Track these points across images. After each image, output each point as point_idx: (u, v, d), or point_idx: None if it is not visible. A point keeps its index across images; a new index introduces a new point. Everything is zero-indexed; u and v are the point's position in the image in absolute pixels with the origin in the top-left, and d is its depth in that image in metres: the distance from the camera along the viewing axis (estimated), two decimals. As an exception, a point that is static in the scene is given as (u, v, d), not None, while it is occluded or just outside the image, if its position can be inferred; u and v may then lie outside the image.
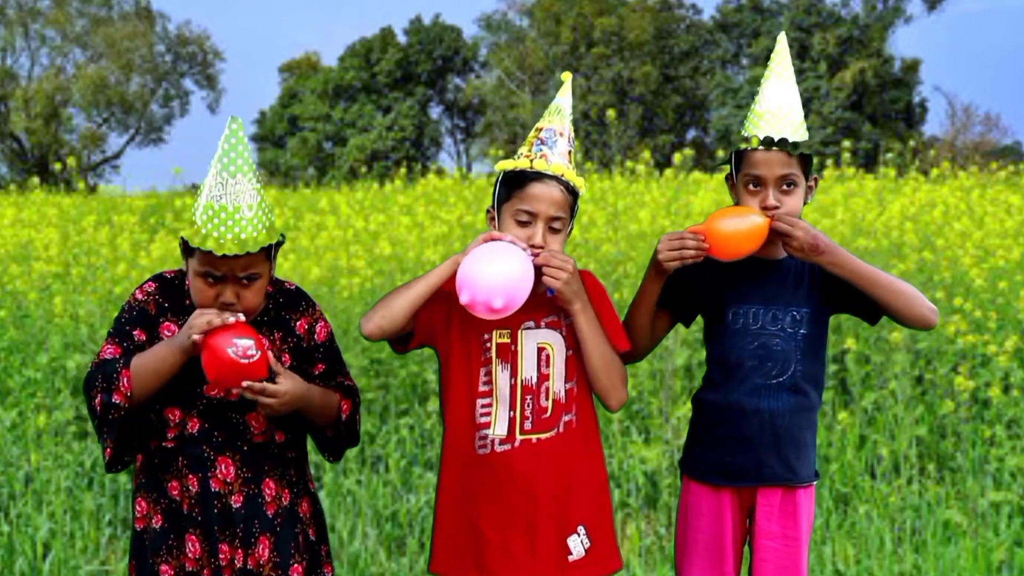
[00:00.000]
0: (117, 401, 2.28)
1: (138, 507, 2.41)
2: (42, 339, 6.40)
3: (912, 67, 35.49)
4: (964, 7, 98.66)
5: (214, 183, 2.29)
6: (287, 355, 2.41)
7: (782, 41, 2.64)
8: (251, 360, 2.26)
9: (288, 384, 2.31)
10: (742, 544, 2.65)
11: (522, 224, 2.39)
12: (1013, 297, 6.45)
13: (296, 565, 2.38)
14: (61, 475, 4.91)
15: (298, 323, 2.44)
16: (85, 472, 5.11)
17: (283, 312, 2.44)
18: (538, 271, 2.37)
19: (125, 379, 2.28)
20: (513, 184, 2.42)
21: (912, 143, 16.47)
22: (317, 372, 2.44)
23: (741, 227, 2.49)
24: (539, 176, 2.40)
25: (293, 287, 2.51)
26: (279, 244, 2.38)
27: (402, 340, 2.46)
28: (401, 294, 2.38)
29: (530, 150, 2.43)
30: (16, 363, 6.15)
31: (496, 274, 2.30)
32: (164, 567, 2.37)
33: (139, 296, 2.43)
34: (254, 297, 2.34)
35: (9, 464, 5.07)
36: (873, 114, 33.69)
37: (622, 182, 11.49)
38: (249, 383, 2.26)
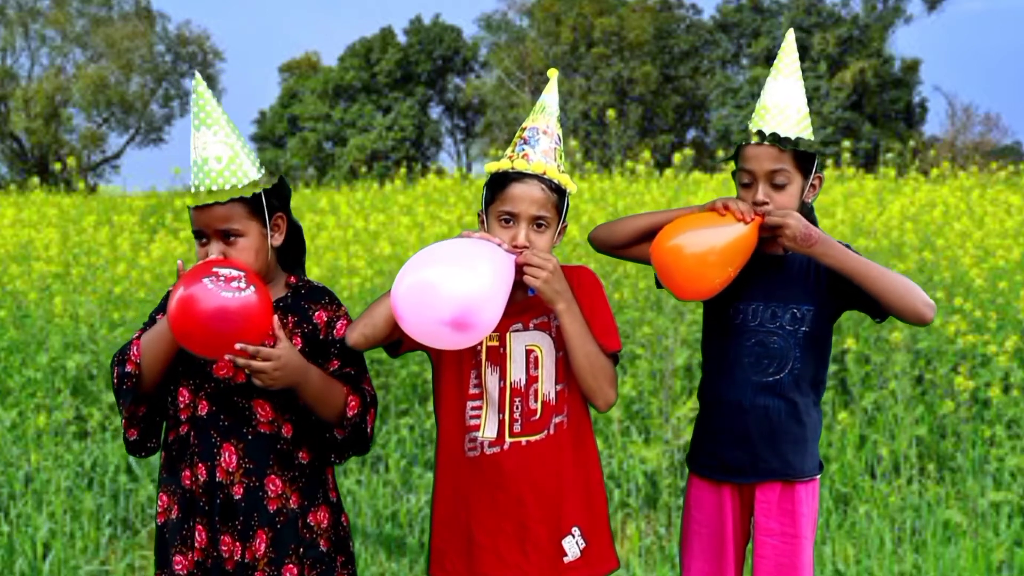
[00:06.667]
0: (129, 370, 2.31)
1: (160, 502, 2.42)
2: (42, 339, 6.40)
3: (912, 67, 35.49)
4: (964, 7, 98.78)
5: (191, 141, 2.34)
6: (299, 339, 2.38)
7: (788, 38, 2.61)
8: (240, 294, 2.14)
9: (286, 349, 2.24)
10: (744, 539, 2.66)
11: (505, 225, 2.37)
12: (1013, 297, 6.45)
13: (291, 566, 2.35)
14: (61, 475, 4.91)
15: (316, 313, 2.41)
16: (85, 472, 5.11)
17: (302, 302, 2.42)
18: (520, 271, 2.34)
19: (135, 348, 2.33)
20: (496, 186, 2.40)
21: (912, 143, 16.47)
22: (331, 368, 2.39)
23: (716, 244, 2.45)
24: (520, 176, 2.37)
25: (322, 286, 2.50)
26: (277, 208, 2.37)
27: (392, 345, 2.44)
28: (383, 302, 2.35)
29: (513, 150, 2.42)
30: (16, 363, 6.15)
31: (462, 283, 2.20)
32: (178, 557, 2.36)
33: (170, 290, 2.43)
34: (240, 255, 2.30)
35: (9, 464, 5.07)
36: (873, 114, 33.68)
37: (622, 182, 11.50)
38: (243, 344, 2.16)
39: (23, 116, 36.20)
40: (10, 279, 7.50)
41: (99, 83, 37.33)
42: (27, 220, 10.58)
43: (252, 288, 2.18)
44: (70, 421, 5.48)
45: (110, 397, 5.72)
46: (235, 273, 2.19)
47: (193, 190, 2.31)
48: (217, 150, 2.31)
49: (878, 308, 2.50)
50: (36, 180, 12.46)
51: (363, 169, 27.17)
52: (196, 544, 2.35)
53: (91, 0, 39.20)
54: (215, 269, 2.19)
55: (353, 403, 2.36)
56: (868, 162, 23.22)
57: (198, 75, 2.37)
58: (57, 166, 17.81)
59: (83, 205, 12.85)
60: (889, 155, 14.13)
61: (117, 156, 40.02)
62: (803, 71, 2.60)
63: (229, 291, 2.15)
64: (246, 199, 2.31)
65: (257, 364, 2.20)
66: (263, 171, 2.39)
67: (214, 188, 2.29)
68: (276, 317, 2.25)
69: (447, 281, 2.19)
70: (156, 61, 40.09)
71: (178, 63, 41.01)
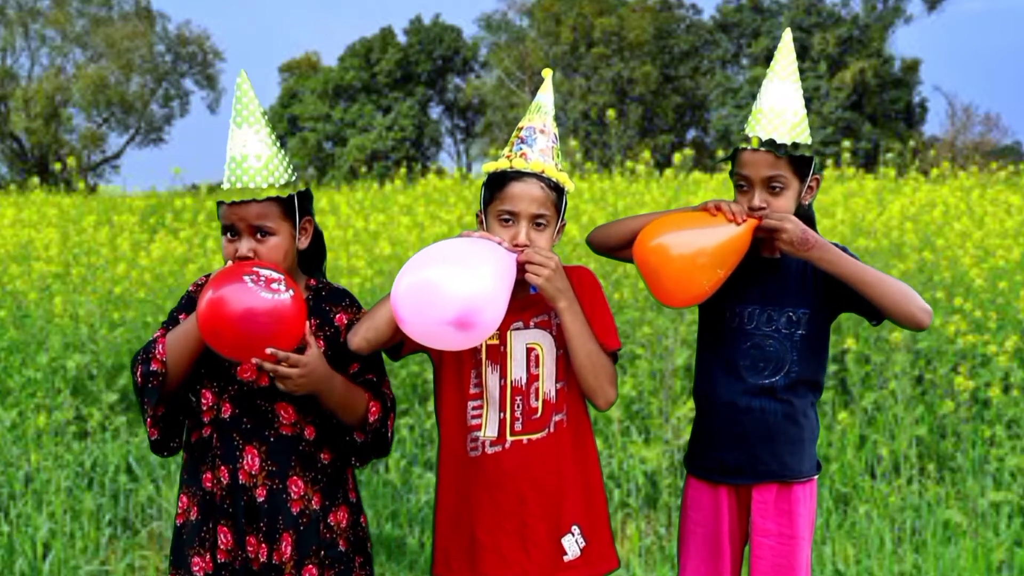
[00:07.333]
0: (155, 368, 2.31)
1: (180, 503, 2.43)
2: (42, 339, 6.40)
3: (912, 67, 35.49)
4: (964, 7, 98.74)
5: (229, 137, 2.35)
6: (322, 341, 2.38)
7: (785, 39, 2.59)
8: (279, 297, 2.15)
9: (314, 357, 2.24)
10: (742, 540, 2.66)
11: (505, 224, 2.38)
12: (1013, 297, 6.45)
13: (311, 567, 2.36)
14: (61, 475, 4.91)
15: (338, 316, 2.41)
16: (85, 472, 5.11)
17: (323, 304, 2.42)
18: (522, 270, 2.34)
19: (160, 346, 2.32)
20: (494, 185, 2.40)
21: (912, 143, 16.45)
22: (352, 371, 2.40)
23: (705, 245, 2.43)
24: (518, 175, 2.38)
25: (342, 289, 2.50)
26: (307, 212, 2.40)
27: (394, 348, 2.43)
28: (384, 305, 2.34)
29: (511, 150, 2.42)
30: (16, 363, 6.15)
31: (466, 282, 2.19)
32: (196, 559, 2.37)
33: (191, 289, 2.47)
34: (270, 253, 2.31)
35: (9, 464, 5.07)
36: (873, 114, 33.68)
37: (622, 182, 11.49)
38: (273, 350, 2.16)
39: (23, 116, 36.20)
40: (10, 279, 7.50)
41: (99, 83, 37.33)
42: (27, 220, 10.58)
43: (291, 292, 2.20)
44: (70, 421, 5.48)
45: (110, 397, 5.72)
46: (276, 276, 2.20)
47: (227, 185, 2.32)
48: (257, 148, 2.33)
49: (874, 311, 2.50)
50: (36, 180, 12.46)
51: (363, 169, 27.18)
52: (221, 546, 2.35)
53: (91, 0, 39.19)
54: (256, 269, 2.20)
55: (374, 409, 2.38)
56: (868, 162, 23.22)
57: (243, 72, 2.38)
58: (57, 166, 17.80)
59: (83, 205, 12.83)
60: (889, 155, 14.13)
61: (117, 156, 40.04)
62: (803, 71, 2.59)
63: (269, 293, 2.17)
64: (280, 199, 2.34)
65: (283, 370, 2.20)
66: (295, 175, 2.41)
67: (251, 185, 2.31)
68: (308, 324, 2.26)
69: (448, 280, 2.18)
70: (156, 61, 40.09)
71: (178, 63, 41.01)
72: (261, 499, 2.34)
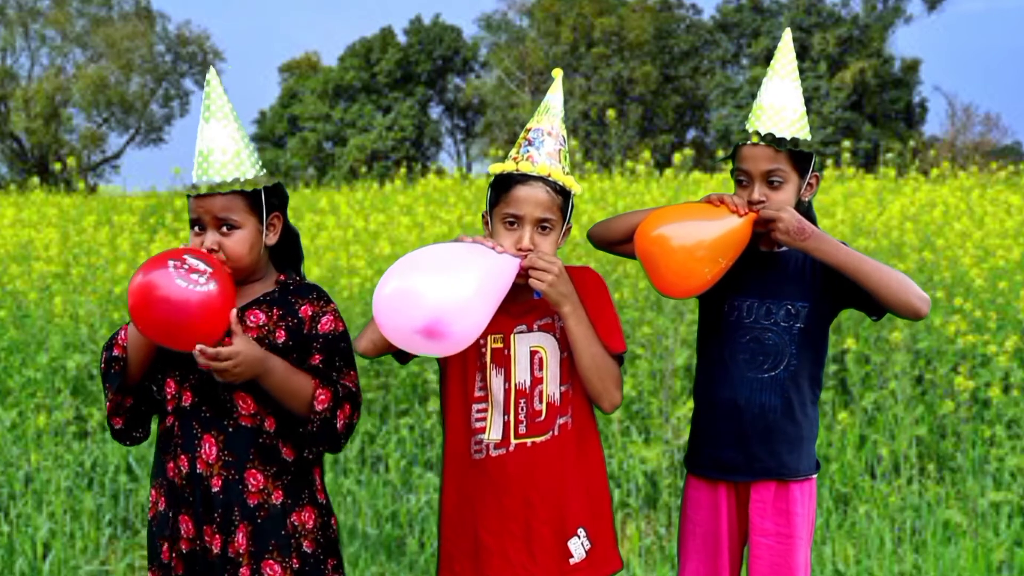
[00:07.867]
0: (116, 354, 2.35)
1: (151, 496, 2.44)
2: (42, 339, 6.40)
3: (912, 67, 35.49)
4: (964, 7, 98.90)
5: (198, 132, 2.38)
6: (283, 331, 2.37)
7: (785, 38, 2.61)
8: (195, 288, 2.17)
9: (242, 344, 2.24)
10: (741, 539, 2.66)
11: (510, 228, 2.37)
12: (1013, 297, 6.45)
13: (272, 561, 2.33)
14: (61, 475, 4.91)
15: (303, 308, 2.40)
16: (85, 472, 5.11)
17: (289, 296, 2.42)
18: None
19: (123, 332, 2.37)
20: (500, 187, 2.40)
21: (912, 143, 16.47)
22: (313, 363, 2.38)
23: (706, 236, 2.44)
24: (524, 178, 2.37)
25: (313, 284, 2.49)
26: (276, 208, 2.40)
27: (401, 352, 2.41)
28: None
29: (518, 152, 2.41)
30: (16, 363, 6.15)
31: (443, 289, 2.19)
32: (165, 548, 2.38)
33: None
34: (235, 246, 2.32)
35: (9, 464, 5.07)
36: (873, 114, 33.68)
37: (622, 182, 11.50)
38: (202, 347, 2.19)
39: (23, 116, 36.20)
40: (10, 279, 7.50)
41: (99, 83, 37.32)
42: (27, 220, 10.58)
43: (212, 285, 2.20)
44: (70, 421, 5.48)
45: (110, 397, 5.72)
46: (202, 267, 2.22)
47: (195, 179, 2.35)
48: (223, 143, 2.35)
49: (874, 305, 2.50)
50: (36, 180, 12.48)
51: (363, 169, 27.16)
52: (183, 535, 2.35)
53: (91, 0, 39.19)
54: (185, 256, 2.23)
55: (323, 397, 2.33)
56: (868, 162, 23.21)
57: (213, 69, 2.41)
58: (57, 166, 17.83)
59: (83, 205, 12.84)
60: (889, 155, 14.14)
61: (117, 156, 40.03)
62: (803, 71, 2.61)
63: (185, 281, 2.19)
64: (246, 193, 2.34)
65: (218, 365, 2.22)
66: (264, 171, 2.42)
67: (216, 179, 2.33)
68: (234, 312, 2.26)
69: (422, 288, 2.18)
70: (156, 61, 40.08)
71: (178, 63, 41.00)
72: (216, 489, 2.32)
